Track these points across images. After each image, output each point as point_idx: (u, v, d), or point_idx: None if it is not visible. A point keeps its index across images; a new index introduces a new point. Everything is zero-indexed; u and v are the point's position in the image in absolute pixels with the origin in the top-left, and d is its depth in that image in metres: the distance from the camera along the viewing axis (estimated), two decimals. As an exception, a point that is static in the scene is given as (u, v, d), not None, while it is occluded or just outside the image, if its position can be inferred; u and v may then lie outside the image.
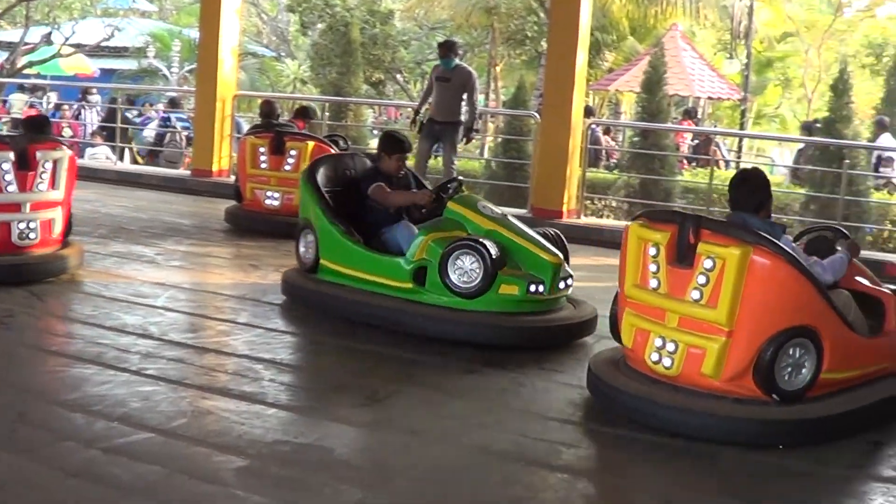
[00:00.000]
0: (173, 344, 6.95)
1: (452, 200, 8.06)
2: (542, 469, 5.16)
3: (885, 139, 19.41)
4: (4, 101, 24.56)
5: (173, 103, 21.69)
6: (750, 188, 6.24)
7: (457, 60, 13.70)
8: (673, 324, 5.89)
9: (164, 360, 6.52)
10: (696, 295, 5.78)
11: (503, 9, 30.56)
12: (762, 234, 5.78)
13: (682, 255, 5.87)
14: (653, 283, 5.99)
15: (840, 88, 18.96)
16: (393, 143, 8.64)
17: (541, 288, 7.56)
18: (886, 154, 18.99)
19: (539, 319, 7.62)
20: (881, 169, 18.86)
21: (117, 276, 9.05)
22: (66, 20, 34.66)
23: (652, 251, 5.99)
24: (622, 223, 15.42)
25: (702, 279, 5.74)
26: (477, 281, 7.40)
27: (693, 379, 5.82)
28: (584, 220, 14.23)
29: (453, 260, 7.46)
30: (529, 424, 5.82)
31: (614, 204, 18.46)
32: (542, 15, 29.29)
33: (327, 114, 19.52)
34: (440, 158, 14.51)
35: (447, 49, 13.63)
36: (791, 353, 5.73)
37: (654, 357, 5.96)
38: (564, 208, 13.87)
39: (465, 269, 7.43)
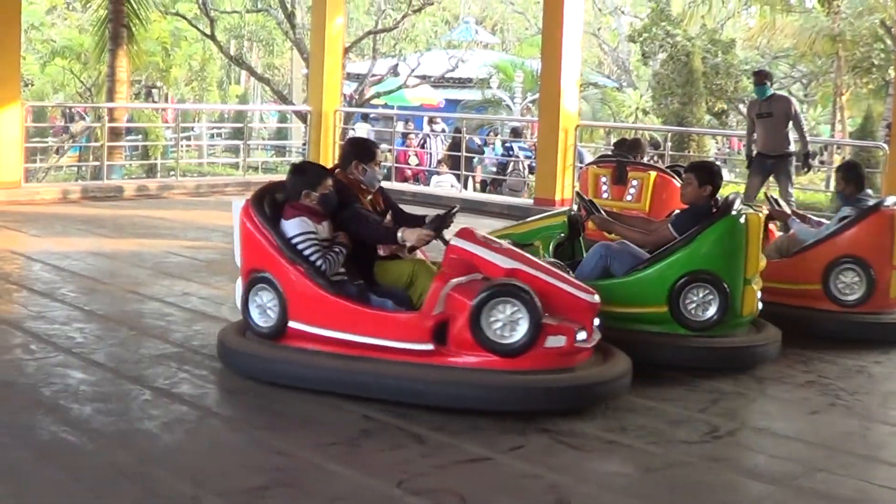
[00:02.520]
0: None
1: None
2: None
3: None
4: (352, 130, 25.51)
5: (515, 133, 22.02)
6: None
7: (771, 90, 13.06)
8: None
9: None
10: None
11: (848, 36, 29.55)
12: None
13: None
14: None
15: None
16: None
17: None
18: None
19: None
20: None
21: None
22: (411, 52, 35.98)
23: None
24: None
25: None
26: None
27: None
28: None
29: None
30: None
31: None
32: (889, 42, 28.22)
33: (669, 144, 19.37)
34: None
35: (763, 77, 13.09)
36: None
37: None
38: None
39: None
